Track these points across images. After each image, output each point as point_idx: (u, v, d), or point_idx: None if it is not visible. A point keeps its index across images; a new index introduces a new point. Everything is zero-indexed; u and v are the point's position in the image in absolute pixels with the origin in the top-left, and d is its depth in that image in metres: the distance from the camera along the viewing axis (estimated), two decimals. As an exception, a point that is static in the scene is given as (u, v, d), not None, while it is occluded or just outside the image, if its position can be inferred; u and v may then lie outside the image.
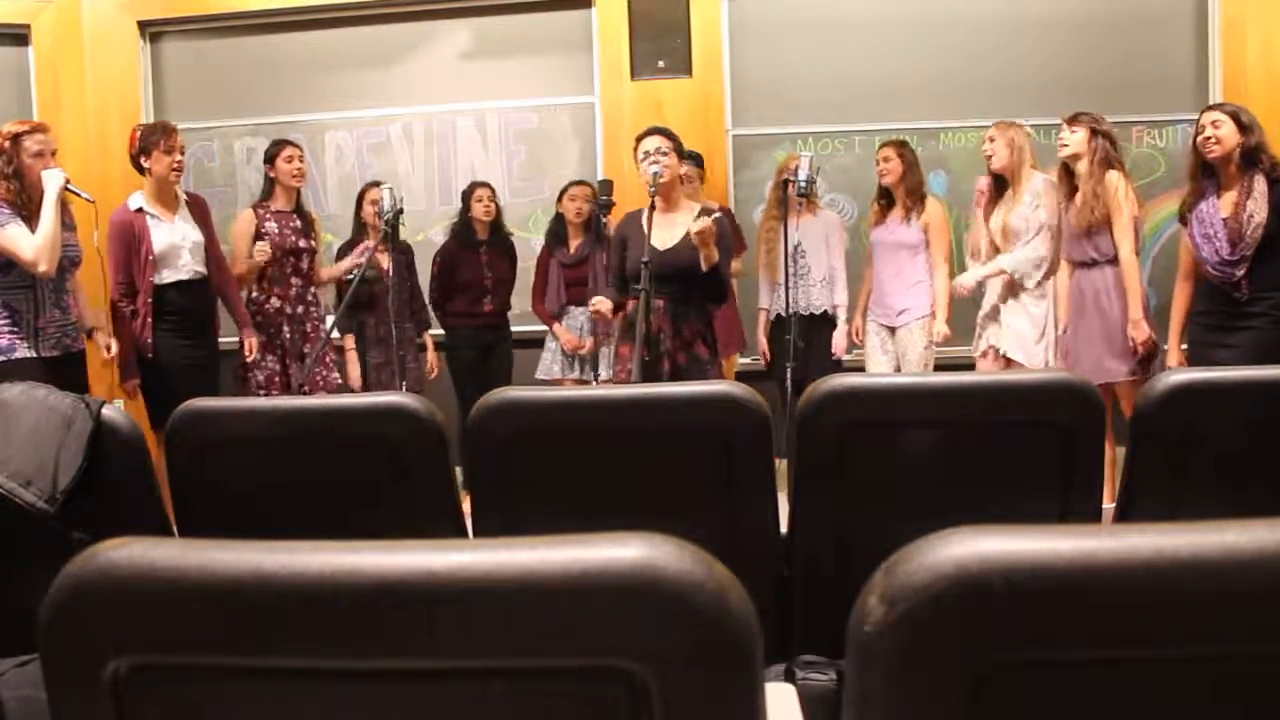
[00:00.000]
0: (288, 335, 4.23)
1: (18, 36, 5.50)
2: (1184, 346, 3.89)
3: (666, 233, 3.53)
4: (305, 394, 4.02)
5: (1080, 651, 0.64)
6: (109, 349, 3.79)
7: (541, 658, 0.67)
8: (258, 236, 4.21)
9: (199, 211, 4.07)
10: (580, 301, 4.72)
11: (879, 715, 0.67)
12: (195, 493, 1.81)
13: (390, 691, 0.70)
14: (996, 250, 4.18)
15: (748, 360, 5.01)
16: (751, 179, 5.34)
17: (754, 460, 1.70)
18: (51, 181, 3.40)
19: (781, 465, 3.00)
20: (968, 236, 4.55)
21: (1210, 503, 1.66)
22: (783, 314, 4.41)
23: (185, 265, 3.92)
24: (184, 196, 4.06)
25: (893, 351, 4.49)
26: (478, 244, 4.79)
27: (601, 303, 3.55)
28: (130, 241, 3.81)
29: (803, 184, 3.96)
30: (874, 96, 5.24)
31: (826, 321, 4.53)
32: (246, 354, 4.13)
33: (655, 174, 3.45)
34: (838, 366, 4.45)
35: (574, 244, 4.80)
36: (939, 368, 4.36)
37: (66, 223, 3.54)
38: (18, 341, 3.38)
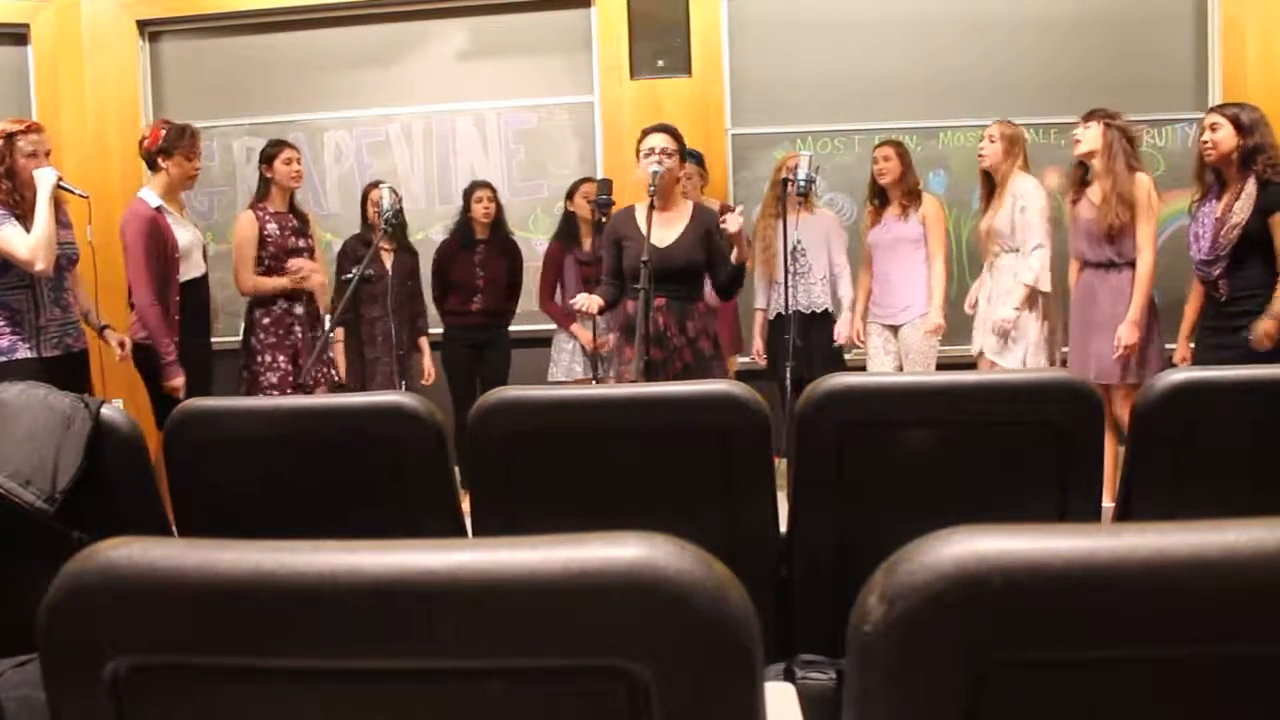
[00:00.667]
0: (298, 334, 4.23)
1: (17, 36, 5.49)
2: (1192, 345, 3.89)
3: (665, 231, 3.53)
4: (307, 391, 4.01)
5: (1080, 651, 0.64)
6: (123, 345, 3.78)
7: (541, 657, 0.67)
8: (261, 239, 4.21)
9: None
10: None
11: (879, 715, 0.67)
12: (195, 492, 1.81)
13: (390, 691, 0.70)
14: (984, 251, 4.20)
15: (747, 359, 5.01)
16: (751, 178, 5.33)
17: (753, 459, 1.70)
18: (44, 180, 3.40)
19: (781, 464, 3.01)
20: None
21: (1210, 503, 1.66)
22: (782, 313, 4.41)
23: (197, 263, 3.96)
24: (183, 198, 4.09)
25: (895, 351, 4.49)
26: (474, 243, 4.80)
27: (590, 301, 3.55)
28: (159, 240, 3.81)
29: (802, 183, 3.97)
30: (873, 96, 5.24)
31: (827, 320, 4.53)
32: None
33: (655, 173, 3.45)
34: (839, 362, 4.45)
35: (588, 242, 4.79)
36: (940, 367, 4.36)
37: (63, 221, 3.55)
38: (19, 342, 3.38)
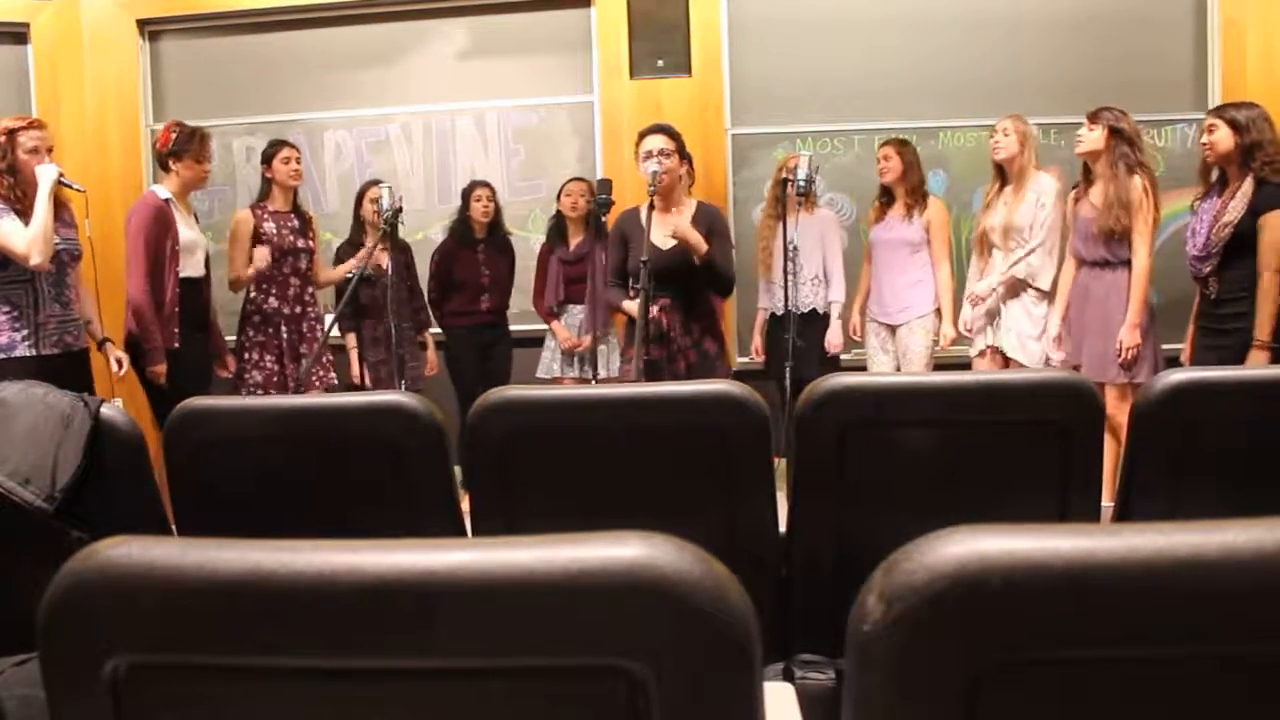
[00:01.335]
0: (285, 335, 4.24)
1: (17, 35, 5.49)
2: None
3: (667, 231, 3.53)
4: (302, 392, 4.02)
5: (1080, 651, 0.64)
6: (120, 364, 3.78)
7: (540, 657, 0.67)
8: (256, 237, 4.21)
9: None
10: (579, 299, 4.72)
11: (878, 715, 0.67)
12: (194, 492, 1.81)
13: (389, 691, 0.70)
14: (990, 248, 4.19)
15: (746, 359, 5.02)
16: (750, 178, 5.34)
17: (753, 459, 1.70)
18: (44, 176, 3.41)
19: (781, 464, 3.01)
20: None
21: (1210, 502, 1.66)
22: (779, 313, 4.42)
23: (198, 263, 3.96)
24: (192, 203, 4.10)
25: (893, 351, 4.49)
26: (475, 243, 4.80)
27: (621, 299, 3.54)
28: (162, 228, 3.82)
29: (802, 183, 3.96)
30: (873, 96, 5.24)
31: (818, 320, 4.53)
32: (225, 370, 4.16)
33: (654, 173, 3.45)
34: (833, 364, 4.45)
35: (574, 241, 4.80)
36: (938, 367, 4.36)
37: (66, 219, 3.55)
38: (18, 339, 3.38)
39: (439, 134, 5.52)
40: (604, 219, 3.96)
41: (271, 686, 0.71)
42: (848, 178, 5.25)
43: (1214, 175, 3.72)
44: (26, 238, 3.33)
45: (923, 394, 1.73)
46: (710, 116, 5.28)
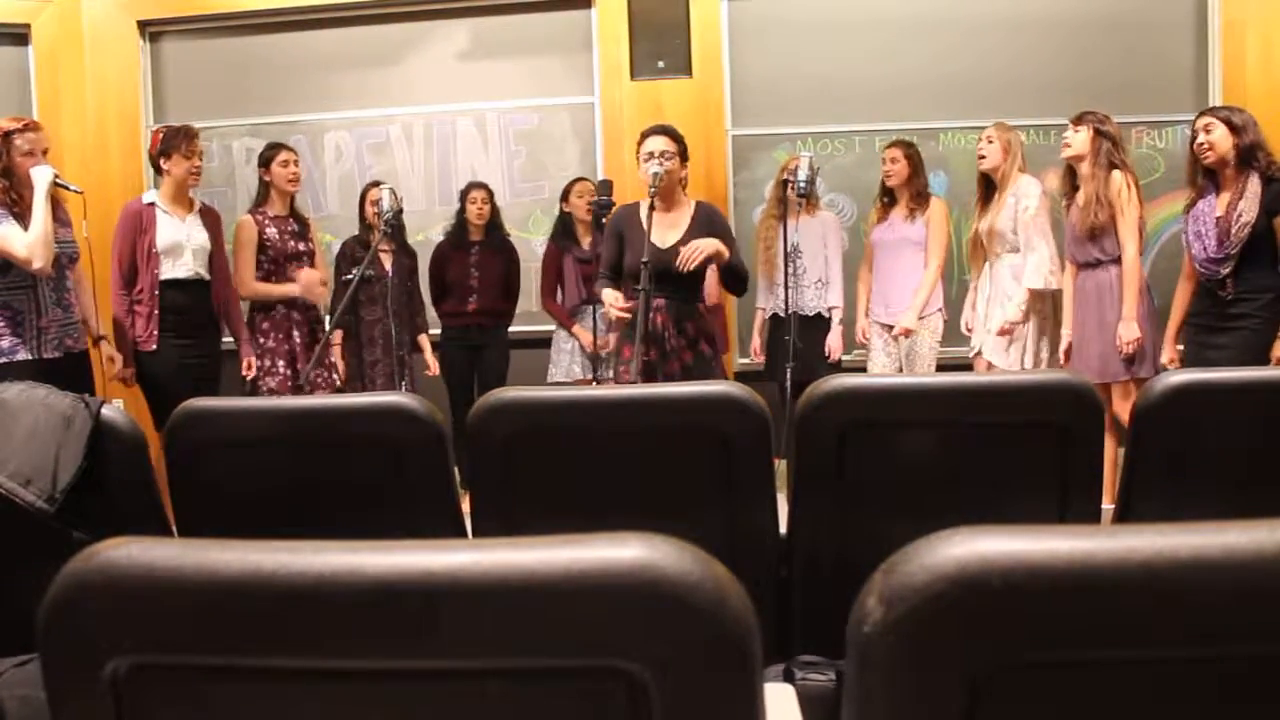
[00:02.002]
0: (297, 339, 4.23)
1: (17, 36, 5.50)
2: (1180, 347, 3.90)
3: (668, 232, 3.53)
4: (306, 393, 4.01)
5: (1080, 652, 0.64)
6: (113, 360, 3.79)
7: (540, 658, 0.67)
8: (260, 244, 4.20)
9: (210, 221, 4.09)
10: (597, 299, 4.70)
11: (878, 716, 0.67)
12: (195, 492, 1.81)
13: (389, 692, 0.70)
14: (984, 252, 4.20)
15: (747, 360, 5.02)
16: (751, 179, 5.34)
17: (753, 460, 1.70)
18: (40, 178, 3.40)
19: (781, 465, 3.01)
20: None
21: (1210, 503, 1.66)
22: (781, 314, 4.42)
23: (185, 264, 3.92)
24: (199, 204, 4.08)
25: (895, 352, 4.49)
26: (469, 244, 4.80)
27: (610, 294, 3.50)
28: (135, 231, 3.82)
29: (802, 184, 3.97)
30: (873, 97, 5.24)
31: (823, 323, 4.53)
32: (245, 371, 4.13)
33: (655, 175, 3.45)
34: (832, 368, 4.46)
35: (586, 241, 4.79)
36: (940, 368, 4.36)
37: (62, 219, 3.55)
38: (18, 345, 3.38)
39: (440, 135, 5.52)
40: (605, 220, 3.96)
41: (272, 687, 0.71)
42: (848, 179, 5.25)
43: (1200, 179, 3.73)
44: (27, 242, 3.32)
45: (922, 395, 1.73)
46: (711, 117, 5.28)
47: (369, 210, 4.68)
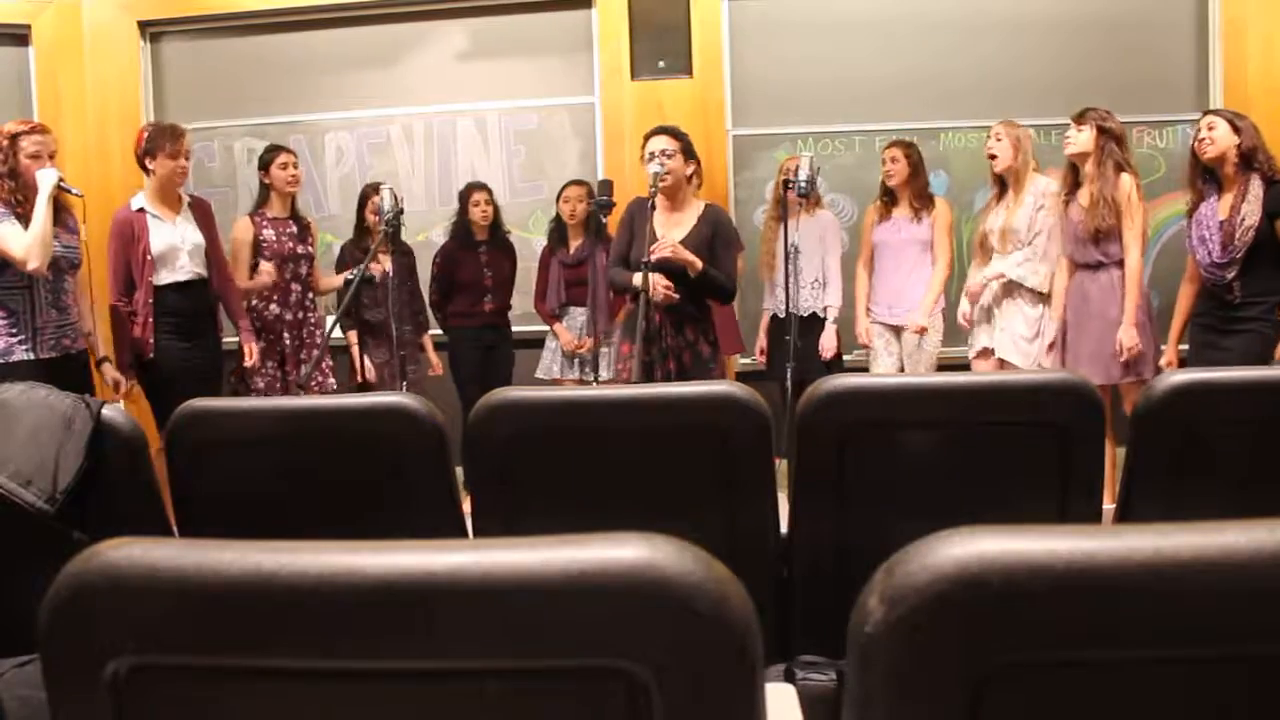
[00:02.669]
0: (288, 341, 4.24)
1: (18, 36, 5.49)
2: (1183, 346, 3.90)
3: (673, 231, 3.53)
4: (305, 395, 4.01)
5: (1080, 651, 0.64)
6: (117, 387, 3.77)
7: (541, 658, 0.67)
8: (256, 245, 4.20)
9: (201, 214, 4.04)
10: (580, 301, 4.73)
11: (879, 716, 0.67)
12: (195, 493, 1.81)
13: (390, 692, 0.70)
14: (990, 250, 4.20)
15: (748, 360, 5.02)
16: (751, 179, 5.34)
17: (754, 460, 1.70)
18: (44, 180, 3.40)
19: (781, 465, 3.01)
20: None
21: (1210, 503, 1.65)
22: (779, 315, 4.42)
23: (184, 267, 3.90)
24: (187, 199, 4.05)
25: (897, 352, 4.49)
26: (477, 244, 4.81)
27: (638, 276, 3.35)
28: (129, 240, 3.80)
29: (802, 185, 3.96)
30: (874, 97, 5.24)
31: (818, 323, 4.53)
32: (247, 359, 4.10)
33: (655, 174, 3.45)
34: (831, 367, 4.46)
35: (574, 244, 4.81)
36: (942, 368, 4.36)
37: (69, 225, 3.54)
38: (15, 344, 3.38)
39: (440, 135, 5.52)
40: (604, 220, 3.96)
41: (272, 687, 0.71)
42: (848, 179, 5.25)
43: (1200, 181, 3.72)
44: (24, 242, 3.32)
45: (923, 395, 1.73)
46: (711, 117, 5.28)
47: (368, 213, 4.68)
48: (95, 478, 1.82)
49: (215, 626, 0.69)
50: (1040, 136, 5.05)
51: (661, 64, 5.32)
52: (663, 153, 3.50)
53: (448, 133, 5.52)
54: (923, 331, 4.35)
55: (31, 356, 3.38)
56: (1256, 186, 3.53)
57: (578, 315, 4.77)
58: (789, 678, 1.67)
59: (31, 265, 3.33)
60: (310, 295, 4.37)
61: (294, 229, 4.32)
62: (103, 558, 0.70)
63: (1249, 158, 3.55)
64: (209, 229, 4.04)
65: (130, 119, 5.48)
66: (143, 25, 5.58)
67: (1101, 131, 3.80)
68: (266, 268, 4.15)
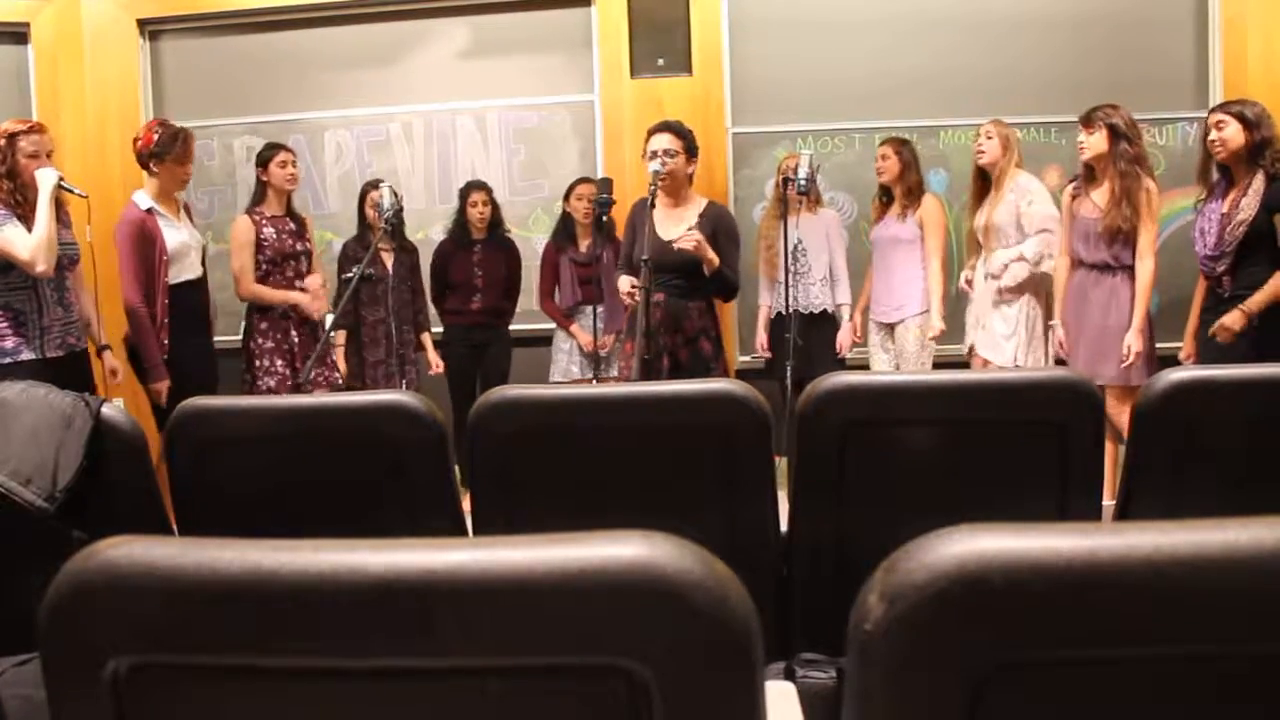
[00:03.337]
0: (296, 338, 4.23)
1: (17, 35, 5.49)
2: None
3: (674, 227, 3.53)
4: (307, 392, 4.01)
5: (1080, 650, 0.64)
6: (115, 373, 3.77)
7: (541, 656, 0.67)
8: (258, 244, 4.20)
9: (189, 214, 4.10)
10: (593, 300, 4.72)
11: (879, 714, 0.67)
12: (195, 491, 1.81)
13: (390, 690, 0.70)
14: (980, 248, 4.21)
15: (748, 358, 5.02)
16: (751, 177, 5.34)
17: (754, 458, 1.70)
18: (45, 180, 3.40)
19: (781, 463, 3.01)
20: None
21: (1210, 501, 1.66)
22: (782, 312, 4.42)
23: (193, 264, 3.94)
24: (182, 201, 4.07)
25: (893, 350, 4.50)
26: (472, 243, 4.80)
27: (626, 281, 3.50)
28: (145, 242, 3.79)
29: (802, 182, 3.97)
30: (874, 94, 5.24)
31: (827, 320, 4.54)
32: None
33: (655, 172, 3.45)
34: (839, 365, 4.46)
35: (584, 242, 4.80)
36: (938, 366, 4.36)
37: (63, 220, 3.54)
38: (22, 344, 3.37)
39: (440, 133, 5.52)
40: (606, 218, 3.96)
41: (272, 686, 0.71)
42: (849, 176, 5.25)
43: (1214, 174, 3.72)
44: (30, 245, 3.32)
45: (923, 394, 1.73)
46: (711, 115, 5.27)
47: (368, 211, 4.68)
48: (95, 476, 1.82)
49: (215, 625, 0.69)
50: (1041, 134, 5.06)
51: (661, 62, 5.32)
52: (665, 151, 3.50)
53: (447, 131, 5.51)
54: (940, 335, 4.35)
55: (38, 356, 3.38)
56: (1259, 181, 3.53)
57: (590, 314, 4.76)
58: (789, 676, 1.67)
59: (39, 268, 3.32)
60: None
61: (292, 226, 4.32)
62: (102, 556, 0.70)
63: (1257, 152, 3.54)
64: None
65: (129, 117, 5.48)
66: (142, 23, 5.58)
67: (1112, 131, 3.77)
68: (317, 305, 4.12)
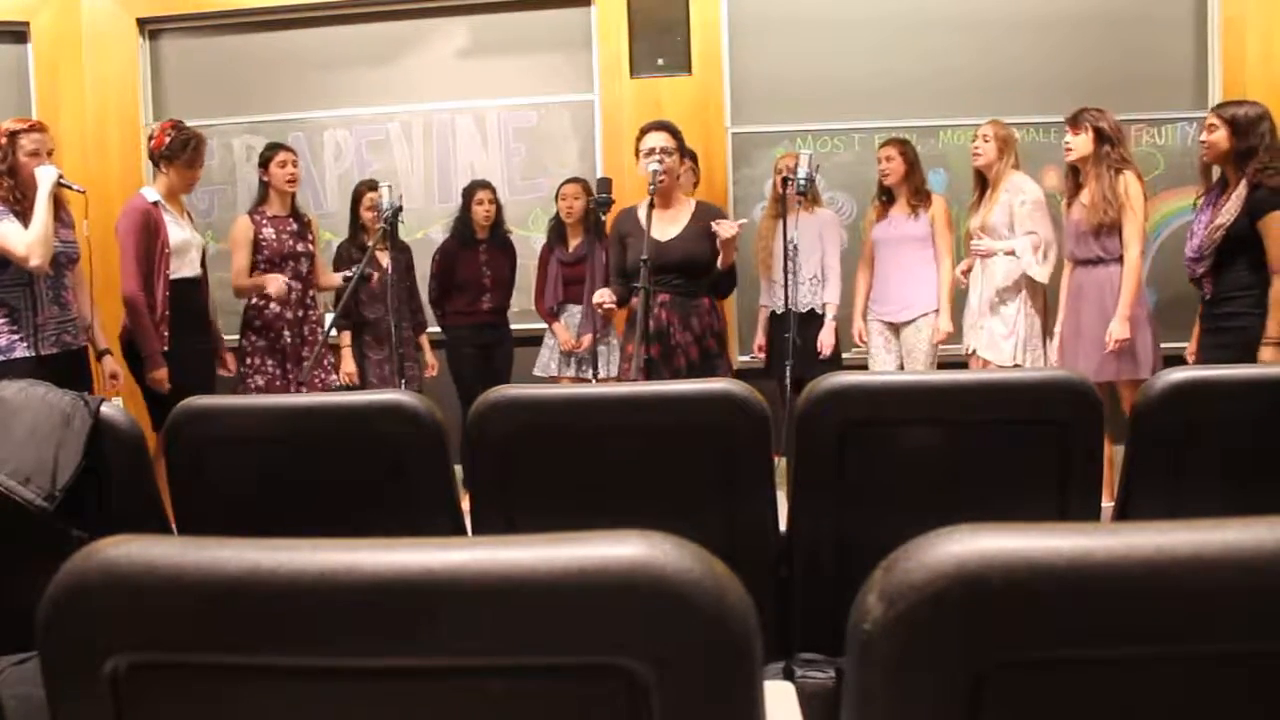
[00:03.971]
0: (288, 339, 4.23)
1: (16, 34, 5.49)
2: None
3: (668, 228, 3.53)
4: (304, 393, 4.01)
5: (1080, 650, 0.64)
6: (116, 378, 3.76)
7: (540, 655, 0.67)
8: (256, 243, 4.20)
9: (190, 218, 4.11)
10: (578, 299, 4.73)
11: (878, 714, 0.67)
12: (194, 491, 1.81)
13: (390, 689, 0.70)
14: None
15: (747, 358, 5.02)
16: (750, 177, 5.34)
17: (753, 458, 1.70)
18: (44, 178, 3.41)
19: (781, 463, 3.01)
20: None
21: (1210, 501, 1.66)
22: (778, 312, 4.42)
23: (192, 262, 3.94)
24: (184, 199, 4.08)
25: (896, 350, 4.49)
26: (476, 243, 4.80)
27: (604, 294, 3.53)
28: (149, 233, 3.80)
29: (802, 182, 3.97)
30: (873, 94, 5.24)
31: (817, 320, 4.54)
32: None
33: (655, 172, 3.44)
34: (830, 365, 4.46)
35: (573, 242, 4.82)
36: (941, 365, 4.36)
37: (64, 220, 3.55)
38: (16, 341, 3.38)
39: (439, 133, 5.52)
40: (603, 218, 3.96)
41: (271, 685, 0.71)
42: (848, 176, 5.25)
43: (1215, 175, 3.73)
44: (26, 240, 3.33)
45: (923, 393, 1.73)
46: (710, 115, 5.28)
47: (364, 213, 4.68)
48: (94, 475, 1.82)
49: (214, 624, 0.69)
50: (1040, 134, 5.06)
51: (661, 61, 5.32)
52: (662, 150, 3.49)
53: (447, 130, 5.51)
54: (948, 336, 4.35)
55: (33, 354, 3.38)
56: (1242, 188, 3.54)
57: (576, 313, 4.78)
58: (788, 675, 1.67)
59: (34, 263, 3.33)
60: (311, 293, 4.36)
61: (294, 226, 4.31)
62: (101, 555, 0.70)
63: (1242, 160, 3.55)
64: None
65: (129, 116, 5.48)
66: (141, 22, 5.58)
67: (1098, 134, 3.82)
68: (278, 285, 4.13)
